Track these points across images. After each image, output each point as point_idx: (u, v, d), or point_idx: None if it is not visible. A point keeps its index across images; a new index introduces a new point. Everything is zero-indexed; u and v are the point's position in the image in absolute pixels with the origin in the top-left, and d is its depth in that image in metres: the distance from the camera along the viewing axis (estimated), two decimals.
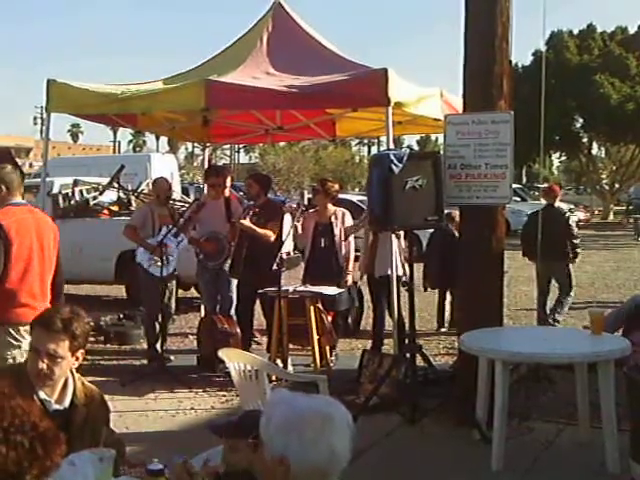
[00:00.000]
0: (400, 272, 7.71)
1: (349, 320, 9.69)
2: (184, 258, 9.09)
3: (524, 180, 55.62)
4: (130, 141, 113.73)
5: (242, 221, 8.15)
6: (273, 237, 8.23)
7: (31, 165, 61.46)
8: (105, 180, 13.73)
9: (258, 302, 8.80)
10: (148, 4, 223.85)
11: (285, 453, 2.34)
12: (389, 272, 8.15)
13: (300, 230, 8.44)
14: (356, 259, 8.88)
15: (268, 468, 2.39)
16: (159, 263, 8.34)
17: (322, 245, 8.62)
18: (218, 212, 8.62)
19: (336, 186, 8.95)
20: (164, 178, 9.48)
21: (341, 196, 11.08)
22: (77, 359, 3.45)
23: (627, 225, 26.26)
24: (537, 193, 34.67)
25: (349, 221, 8.69)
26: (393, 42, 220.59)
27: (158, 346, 8.55)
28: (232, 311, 8.70)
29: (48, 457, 1.81)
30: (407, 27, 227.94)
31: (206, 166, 12.10)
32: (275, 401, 2.53)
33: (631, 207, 32.64)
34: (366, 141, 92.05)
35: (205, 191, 10.22)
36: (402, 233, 7.78)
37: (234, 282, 8.67)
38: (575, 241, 10.25)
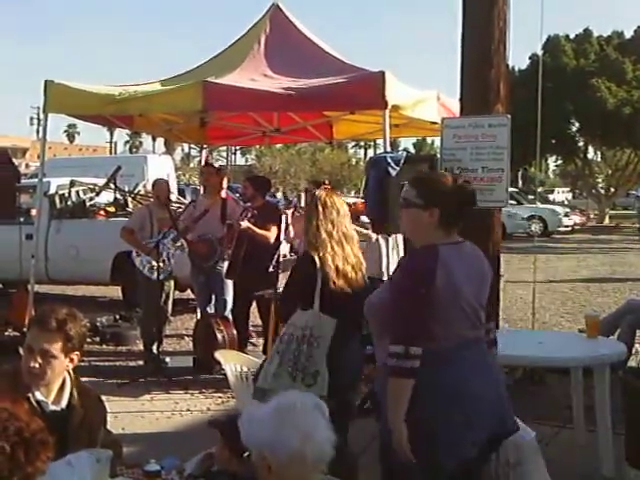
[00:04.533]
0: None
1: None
2: (180, 259, 9.09)
3: (520, 184, 55.66)
4: (127, 142, 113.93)
5: (242, 223, 8.15)
6: (272, 239, 8.23)
7: (27, 165, 61.35)
8: (102, 181, 13.72)
9: (255, 304, 8.81)
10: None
11: (261, 449, 2.38)
12: (372, 274, 8.22)
13: (292, 233, 8.45)
14: None
15: (256, 469, 2.44)
16: (155, 266, 8.35)
17: None
18: (214, 213, 8.62)
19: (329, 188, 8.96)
20: (164, 179, 9.47)
21: None
22: (72, 361, 3.45)
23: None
24: (533, 197, 34.77)
25: None
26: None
27: (154, 347, 8.55)
28: (228, 313, 8.70)
29: (30, 464, 1.79)
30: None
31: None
32: (251, 405, 2.60)
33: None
34: (363, 144, 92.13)
35: (202, 191, 10.21)
36: (400, 236, 7.81)
37: (229, 284, 8.66)
38: None
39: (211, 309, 8.87)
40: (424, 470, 3.27)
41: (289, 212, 8.26)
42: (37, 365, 3.33)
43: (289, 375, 4.54)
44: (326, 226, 4.69)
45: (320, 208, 4.74)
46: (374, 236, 8.37)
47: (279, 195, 36.92)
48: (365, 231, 8.55)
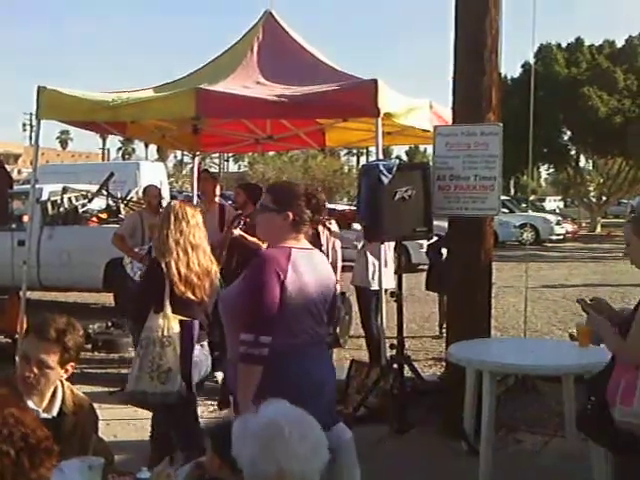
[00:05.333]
0: (386, 284, 7.66)
1: (337, 330, 9.69)
2: None
3: (512, 192, 55.78)
4: (119, 149, 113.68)
5: (234, 231, 8.14)
6: (264, 246, 8.21)
7: (20, 172, 61.26)
8: (94, 187, 13.71)
9: None
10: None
11: (241, 465, 2.38)
12: (360, 283, 8.26)
13: None
14: (343, 269, 8.89)
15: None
16: None
17: None
18: (211, 220, 8.59)
19: (323, 196, 8.96)
20: (154, 185, 9.47)
21: (329, 206, 11.07)
22: (66, 371, 3.45)
23: None
24: (525, 205, 34.84)
25: (335, 229, 8.70)
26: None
27: None
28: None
29: (34, 470, 1.79)
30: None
31: (196, 175, 12.10)
32: (246, 413, 2.58)
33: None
34: (355, 151, 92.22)
35: (196, 199, 10.21)
36: (392, 244, 7.83)
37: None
38: None
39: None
40: None
41: None
42: (32, 375, 3.32)
43: (149, 376, 4.92)
44: (174, 235, 5.05)
45: (172, 218, 5.12)
46: (359, 245, 8.38)
47: None
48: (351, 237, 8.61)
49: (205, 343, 5.20)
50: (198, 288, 5.04)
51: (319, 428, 2.52)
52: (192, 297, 5.01)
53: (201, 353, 5.14)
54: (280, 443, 2.37)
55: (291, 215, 3.81)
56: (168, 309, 4.96)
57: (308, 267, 3.79)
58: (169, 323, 4.93)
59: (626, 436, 3.86)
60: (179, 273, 4.96)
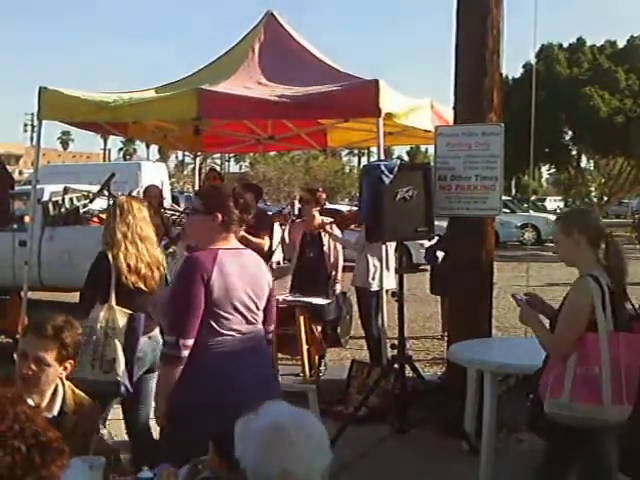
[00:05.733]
0: (387, 284, 7.67)
1: (338, 330, 9.71)
2: (172, 266, 9.07)
3: (513, 192, 55.80)
4: (120, 149, 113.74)
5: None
6: (266, 247, 8.22)
7: (21, 172, 61.31)
8: (95, 188, 13.70)
9: None
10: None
11: (244, 465, 2.37)
12: (360, 284, 8.26)
13: (287, 240, 8.45)
14: (344, 269, 8.90)
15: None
16: None
17: (310, 255, 8.63)
18: None
19: (324, 195, 8.99)
20: (154, 185, 9.47)
21: (330, 206, 11.09)
22: (65, 369, 3.46)
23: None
24: (526, 205, 34.83)
25: (336, 231, 8.71)
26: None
27: None
28: None
29: (45, 467, 1.80)
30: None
31: (197, 175, 12.13)
32: (250, 414, 2.58)
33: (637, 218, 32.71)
34: (356, 151, 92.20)
35: None
36: (393, 244, 7.84)
37: None
38: None
39: None
40: (184, 442, 3.66)
41: (286, 227, 8.28)
42: (30, 372, 3.33)
43: (89, 364, 4.94)
44: (121, 228, 5.17)
45: (118, 212, 5.25)
46: (360, 245, 8.37)
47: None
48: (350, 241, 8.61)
49: (154, 334, 5.22)
50: (149, 279, 5.14)
51: (322, 427, 2.51)
52: (144, 287, 5.10)
53: (147, 345, 5.16)
54: (284, 444, 2.36)
55: (220, 216, 3.96)
56: (113, 301, 5.06)
57: (236, 267, 3.93)
58: (114, 315, 5.01)
59: (557, 427, 4.05)
60: (128, 265, 5.08)
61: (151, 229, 5.40)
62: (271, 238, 8.30)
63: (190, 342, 3.78)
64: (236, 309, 3.90)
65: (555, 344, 4.11)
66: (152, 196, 8.99)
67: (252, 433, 2.42)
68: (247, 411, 3.90)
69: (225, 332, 3.88)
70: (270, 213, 10.01)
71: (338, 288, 8.73)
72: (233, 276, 3.89)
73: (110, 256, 5.10)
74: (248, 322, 3.97)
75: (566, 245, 4.20)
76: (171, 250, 8.60)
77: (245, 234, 8.17)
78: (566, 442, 4.18)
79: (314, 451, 2.40)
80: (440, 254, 10.36)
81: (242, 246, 4.14)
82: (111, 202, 13.26)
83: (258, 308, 4.05)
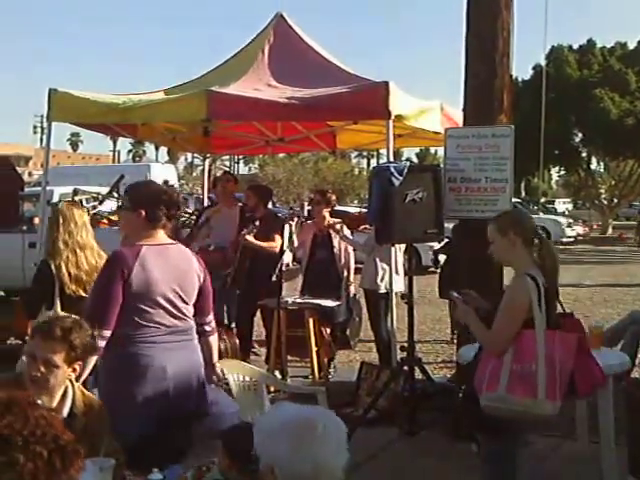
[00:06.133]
0: (396, 287, 7.66)
1: (347, 332, 9.69)
2: None
3: (523, 194, 55.70)
4: (130, 151, 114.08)
5: (247, 237, 8.12)
6: (277, 248, 8.20)
7: (30, 174, 61.41)
8: (105, 190, 13.73)
9: (259, 313, 8.80)
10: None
11: (272, 462, 2.36)
12: (369, 286, 8.23)
13: (296, 242, 8.45)
14: (354, 271, 8.88)
15: (260, 477, 2.41)
16: None
17: (321, 256, 8.62)
18: (232, 221, 8.56)
19: (334, 196, 8.99)
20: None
21: (338, 208, 11.08)
22: (74, 370, 3.46)
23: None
24: (536, 207, 34.75)
25: (346, 232, 8.69)
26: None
27: None
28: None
29: (65, 471, 1.80)
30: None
31: (206, 177, 12.17)
32: (268, 412, 2.57)
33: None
34: (366, 153, 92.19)
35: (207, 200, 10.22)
36: (402, 246, 7.83)
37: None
38: None
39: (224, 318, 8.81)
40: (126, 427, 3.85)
41: (293, 222, 8.25)
42: (39, 373, 3.33)
43: None
44: (63, 236, 5.37)
45: (60, 220, 5.43)
46: (368, 246, 8.33)
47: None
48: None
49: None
50: (89, 284, 5.22)
51: (343, 424, 2.53)
52: (84, 294, 5.23)
53: None
54: (316, 439, 2.37)
55: (143, 213, 4.12)
56: (58, 307, 5.22)
57: (160, 262, 4.10)
58: None
59: (492, 420, 4.17)
60: (69, 273, 5.27)
61: (91, 235, 5.62)
62: (283, 239, 8.28)
63: (107, 333, 3.97)
64: (158, 303, 4.07)
65: (492, 340, 4.23)
66: None
67: (280, 429, 2.41)
68: (171, 400, 4.08)
69: (146, 324, 4.05)
70: (280, 215, 9.99)
71: (352, 290, 8.72)
72: (155, 271, 4.05)
73: (53, 266, 5.31)
74: (172, 315, 4.13)
75: (502, 245, 4.36)
76: None
77: (253, 240, 8.17)
78: (502, 434, 4.33)
79: (340, 447, 2.41)
80: (442, 257, 10.37)
81: (171, 241, 4.29)
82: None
83: (185, 302, 4.20)
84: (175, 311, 4.14)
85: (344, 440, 2.46)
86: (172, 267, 4.15)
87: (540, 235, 4.38)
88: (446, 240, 8.97)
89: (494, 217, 4.69)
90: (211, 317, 4.47)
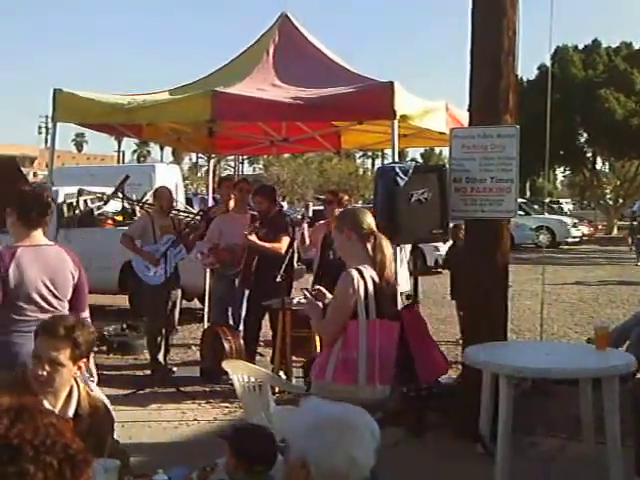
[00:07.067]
0: (400, 287, 7.63)
1: None
2: (188, 269, 9.08)
3: (528, 194, 55.62)
4: (134, 151, 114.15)
5: (251, 238, 8.11)
6: (284, 249, 8.18)
7: (35, 174, 61.54)
8: (109, 190, 13.74)
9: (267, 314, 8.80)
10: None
11: (306, 457, 2.34)
12: None
13: (307, 241, 8.43)
14: None
15: (290, 471, 2.40)
16: (152, 272, 8.38)
17: (332, 257, 8.60)
18: (243, 225, 8.53)
19: (346, 196, 8.97)
20: (165, 187, 9.46)
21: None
22: (79, 368, 3.45)
23: (632, 245, 26.20)
24: (541, 207, 34.70)
25: None
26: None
27: (160, 357, 8.52)
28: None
29: None
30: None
31: (210, 177, 12.19)
32: (303, 407, 2.56)
33: (635, 223, 32.69)
34: (370, 153, 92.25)
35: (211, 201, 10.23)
36: (407, 246, 7.81)
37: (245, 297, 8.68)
38: None
39: (230, 319, 8.80)
40: None
41: (304, 226, 8.26)
42: (44, 373, 3.33)
43: None
44: None
45: None
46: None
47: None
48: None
49: None
50: None
51: (377, 425, 2.55)
52: None
53: None
54: (351, 433, 2.39)
55: (15, 215, 4.41)
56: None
57: (35, 262, 4.38)
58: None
59: None
60: None
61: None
62: (292, 240, 8.28)
63: None
64: (31, 299, 4.35)
65: (324, 328, 4.50)
66: (162, 197, 8.97)
67: (322, 424, 2.40)
68: None
69: (19, 318, 4.33)
70: (288, 216, 9.99)
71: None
72: (30, 270, 4.34)
73: None
74: (45, 310, 4.36)
75: (340, 241, 4.66)
76: (177, 250, 8.57)
77: (255, 240, 8.15)
78: None
79: (373, 447, 2.43)
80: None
81: (47, 242, 4.55)
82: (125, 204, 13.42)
83: (59, 298, 4.47)
84: (47, 306, 4.40)
85: (377, 440, 2.47)
86: (46, 265, 4.42)
87: (374, 231, 4.56)
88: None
89: (337, 215, 5.05)
90: (86, 314, 4.67)
